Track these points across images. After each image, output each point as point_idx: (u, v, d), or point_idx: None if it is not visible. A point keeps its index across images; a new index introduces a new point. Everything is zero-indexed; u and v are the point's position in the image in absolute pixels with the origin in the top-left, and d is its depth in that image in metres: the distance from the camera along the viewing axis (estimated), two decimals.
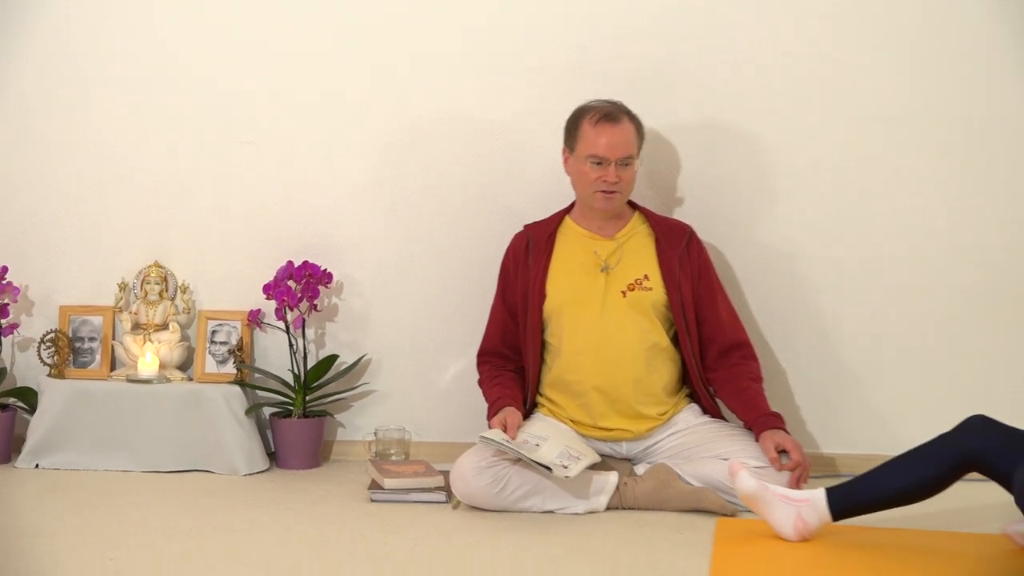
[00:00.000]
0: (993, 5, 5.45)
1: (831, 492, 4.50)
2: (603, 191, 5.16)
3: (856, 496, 4.49)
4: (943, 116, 5.52)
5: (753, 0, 5.55)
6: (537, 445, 4.91)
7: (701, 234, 5.36)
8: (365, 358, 5.77)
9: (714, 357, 5.25)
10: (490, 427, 5.01)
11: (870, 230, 5.59)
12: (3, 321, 5.68)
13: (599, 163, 5.14)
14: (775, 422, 5.07)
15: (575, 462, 4.85)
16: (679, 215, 5.54)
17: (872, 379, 5.61)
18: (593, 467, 4.97)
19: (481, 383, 5.34)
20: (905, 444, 5.37)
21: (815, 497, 4.49)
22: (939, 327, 5.59)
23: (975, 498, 4.79)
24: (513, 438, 4.91)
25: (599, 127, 5.13)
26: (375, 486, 5.15)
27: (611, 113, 5.15)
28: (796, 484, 4.84)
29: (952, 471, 4.39)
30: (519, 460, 4.87)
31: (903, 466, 4.48)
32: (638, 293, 5.19)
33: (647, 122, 5.27)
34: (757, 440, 5.03)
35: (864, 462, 5.39)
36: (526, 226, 5.38)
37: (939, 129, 5.53)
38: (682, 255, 5.25)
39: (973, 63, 5.49)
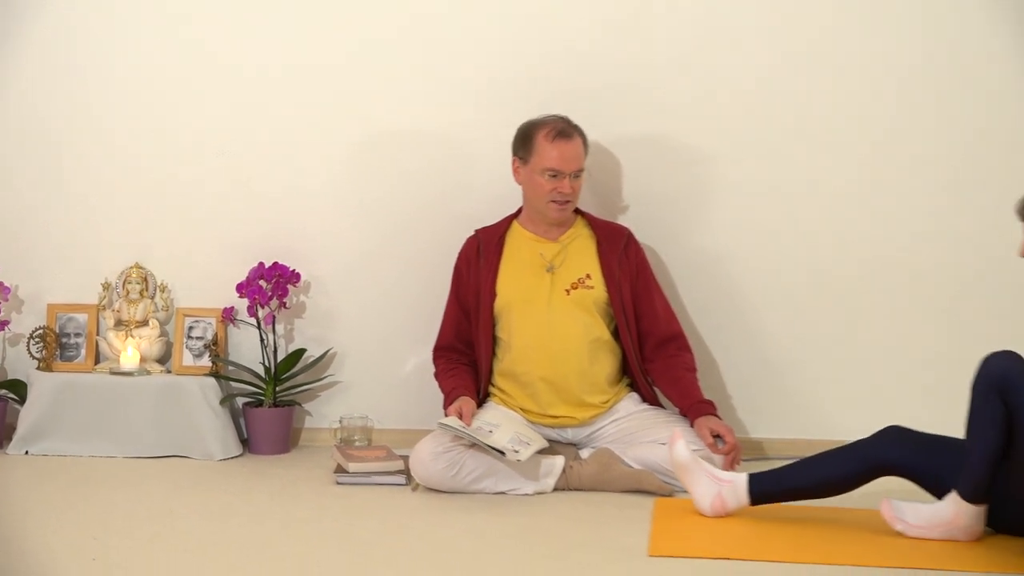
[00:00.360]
0: (913, 16, 5.52)
1: (753, 478, 4.54)
2: (557, 201, 5.19)
3: (775, 486, 4.54)
4: (863, 130, 5.55)
5: (690, 21, 5.56)
6: (491, 431, 4.94)
7: (639, 237, 5.39)
8: (331, 351, 5.77)
9: (651, 349, 5.28)
10: (447, 415, 5.03)
11: (794, 234, 5.61)
12: None
13: (554, 175, 5.16)
14: (708, 409, 5.12)
15: (525, 447, 4.90)
16: (620, 220, 5.55)
17: (795, 369, 5.64)
18: (541, 451, 5.00)
19: (437, 375, 5.35)
20: (825, 429, 5.50)
21: (737, 481, 4.54)
22: (855, 322, 5.62)
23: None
24: (468, 425, 4.94)
25: (555, 143, 5.15)
26: (340, 470, 5.16)
27: (565, 130, 5.18)
28: (730, 466, 4.89)
29: (866, 475, 4.44)
30: (474, 445, 4.90)
31: (822, 464, 4.51)
32: (581, 291, 5.23)
33: (591, 134, 5.30)
34: (692, 426, 5.07)
35: (789, 445, 5.51)
36: (477, 230, 5.39)
37: (859, 143, 5.56)
38: (621, 256, 5.28)
39: (896, 76, 5.53)
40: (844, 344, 5.64)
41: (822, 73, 5.56)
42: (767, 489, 4.54)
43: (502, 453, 4.83)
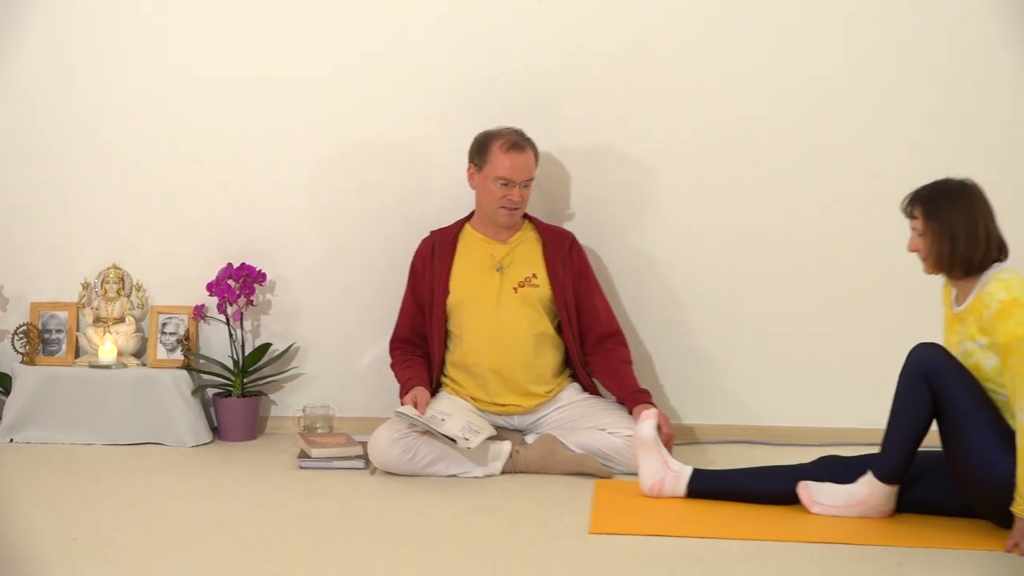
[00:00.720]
0: (836, 27, 5.56)
1: (695, 476, 4.58)
2: (507, 207, 5.23)
3: (713, 485, 4.58)
4: (785, 139, 5.61)
5: (634, 40, 5.58)
6: (443, 420, 4.97)
7: (582, 240, 5.44)
8: (294, 346, 5.78)
9: (592, 344, 5.33)
10: (403, 404, 5.06)
11: (721, 238, 5.65)
12: None
13: (506, 184, 5.20)
14: (644, 397, 5.17)
15: (475, 435, 4.93)
16: (565, 225, 5.59)
17: (725, 361, 5.68)
18: (489, 438, 5.04)
19: (393, 366, 5.36)
20: (749, 415, 5.56)
21: (682, 473, 4.58)
22: (781, 317, 5.67)
23: None
24: (423, 413, 4.98)
25: (509, 154, 5.19)
26: (303, 455, 5.17)
27: (518, 142, 5.21)
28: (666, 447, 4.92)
29: (798, 497, 4.46)
30: (427, 432, 4.93)
31: (760, 478, 4.55)
32: (527, 289, 5.27)
33: (541, 145, 5.33)
34: (630, 413, 5.13)
35: (718, 431, 5.59)
36: (432, 232, 5.41)
37: (781, 152, 5.62)
38: (565, 258, 5.32)
39: (819, 87, 5.57)
40: (766, 338, 5.68)
41: (749, 87, 5.61)
42: (705, 488, 4.58)
43: (453, 441, 4.87)
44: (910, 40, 5.54)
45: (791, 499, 4.46)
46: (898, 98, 5.57)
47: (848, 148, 5.60)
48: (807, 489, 4.41)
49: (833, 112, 5.59)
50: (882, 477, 4.26)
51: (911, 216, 4.29)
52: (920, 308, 5.47)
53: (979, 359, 4.18)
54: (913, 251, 4.31)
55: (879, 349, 5.56)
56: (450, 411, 5.07)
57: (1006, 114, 5.54)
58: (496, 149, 5.21)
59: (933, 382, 4.12)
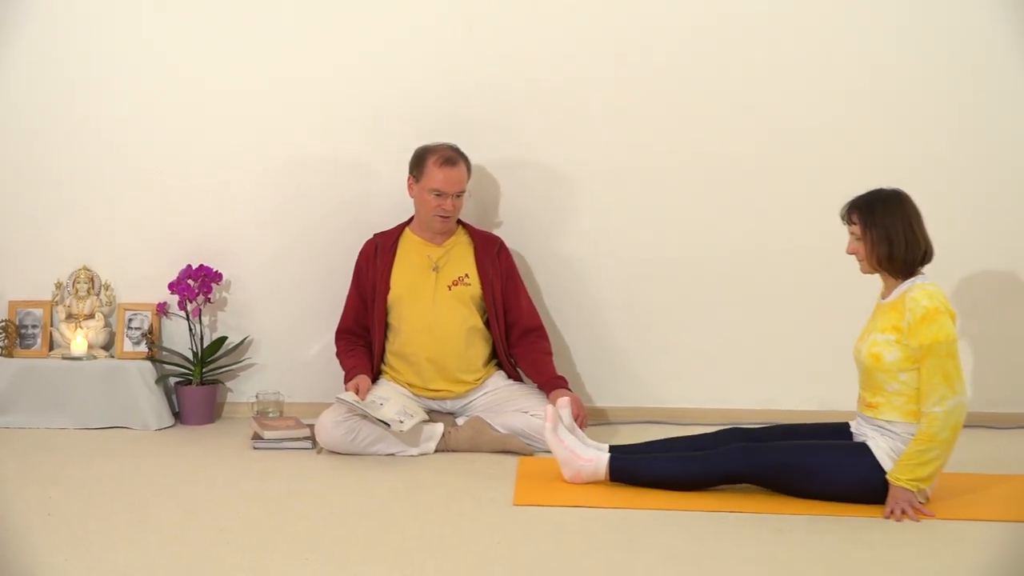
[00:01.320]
0: (735, 37, 5.60)
1: (614, 461, 4.52)
2: (440, 216, 5.27)
3: (633, 474, 4.53)
4: (697, 144, 5.64)
5: (558, 55, 5.60)
6: (381, 404, 5.01)
7: (510, 244, 5.49)
8: (248, 338, 5.78)
9: (516, 337, 5.39)
10: (346, 390, 5.09)
11: (636, 237, 5.69)
12: None
13: (439, 195, 5.24)
14: (561, 383, 5.24)
15: (409, 418, 4.97)
16: (495, 231, 5.62)
17: (631, 351, 5.72)
18: (424, 421, 5.08)
19: (338, 355, 5.38)
20: (655, 399, 5.60)
21: (599, 462, 4.52)
22: (683, 308, 5.71)
23: None
24: (363, 399, 5.02)
25: (443, 168, 5.22)
26: (257, 437, 5.17)
27: (451, 157, 5.25)
28: (580, 427, 4.94)
29: (717, 481, 4.45)
30: (365, 416, 4.96)
31: (679, 463, 4.47)
32: (460, 288, 5.32)
33: (473, 158, 5.36)
34: (548, 397, 5.18)
35: (628, 412, 5.66)
36: (375, 235, 5.43)
37: (693, 157, 5.64)
38: (494, 260, 5.37)
39: (738, 85, 5.61)
40: (669, 327, 5.71)
41: (667, 98, 5.63)
42: (625, 475, 4.54)
43: (387, 424, 4.90)
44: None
45: (710, 487, 4.46)
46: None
47: (744, 147, 5.63)
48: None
49: (732, 112, 5.62)
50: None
51: (850, 222, 4.39)
52: (809, 297, 5.61)
53: (882, 350, 4.28)
54: (852, 253, 4.41)
55: (771, 335, 5.69)
56: (388, 396, 5.10)
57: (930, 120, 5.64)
58: (431, 163, 5.24)
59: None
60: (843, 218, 4.41)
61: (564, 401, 4.81)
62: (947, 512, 4.23)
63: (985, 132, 5.59)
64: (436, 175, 5.23)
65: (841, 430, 4.48)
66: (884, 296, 4.41)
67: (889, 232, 4.27)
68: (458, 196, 5.27)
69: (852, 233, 4.38)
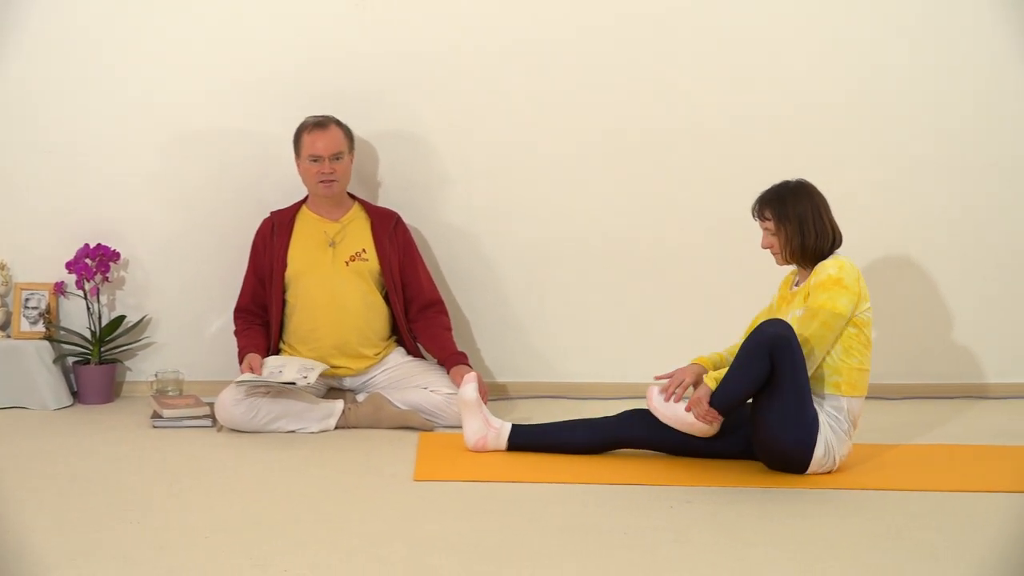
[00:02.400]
0: (624, 31, 5.64)
1: (515, 431, 4.67)
2: (322, 181, 5.26)
3: (531, 440, 4.65)
4: (585, 122, 5.68)
5: (443, 26, 5.62)
6: (280, 371, 5.03)
7: (407, 219, 5.49)
8: (147, 317, 5.74)
9: (415, 312, 5.39)
10: (241, 372, 5.09)
11: (534, 213, 5.72)
12: None
13: (316, 160, 5.23)
14: (461, 359, 5.26)
15: (311, 371, 5.01)
16: (392, 206, 5.58)
17: (531, 326, 5.76)
18: (324, 396, 5.10)
19: (236, 333, 5.38)
20: (554, 374, 5.66)
21: (503, 429, 4.66)
22: (581, 284, 5.76)
23: None
24: (260, 375, 5.02)
25: (313, 134, 5.24)
26: (156, 416, 5.16)
27: (321, 122, 5.27)
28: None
29: (608, 447, 4.61)
30: (269, 391, 4.95)
31: (573, 432, 4.61)
32: (358, 263, 5.31)
33: (364, 132, 5.38)
34: (448, 373, 5.21)
35: (527, 387, 5.71)
36: (272, 212, 5.42)
37: (585, 132, 5.68)
38: (391, 234, 5.37)
39: (622, 74, 5.65)
40: (568, 303, 5.77)
41: (553, 72, 5.66)
42: (524, 443, 4.65)
43: (293, 383, 4.91)
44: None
45: (603, 450, 4.61)
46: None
47: (647, 123, 5.69)
48: (652, 394, 4.49)
49: (642, 89, 5.68)
50: (715, 405, 4.32)
51: (762, 218, 4.47)
52: (709, 272, 5.66)
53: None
54: (767, 247, 4.49)
55: (671, 310, 5.76)
56: (283, 363, 5.12)
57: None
58: (304, 133, 5.27)
59: (775, 351, 4.21)
60: (755, 214, 4.48)
61: (472, 376, 4.83)
62: (846, 482, 4.32)
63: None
64: (309, 142, 5.25)
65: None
66: (797, 283, 4.47)
67: (802, 223, 4.36)
68: (336, 158, 5.26)
69: (766, 229, 4.46)
